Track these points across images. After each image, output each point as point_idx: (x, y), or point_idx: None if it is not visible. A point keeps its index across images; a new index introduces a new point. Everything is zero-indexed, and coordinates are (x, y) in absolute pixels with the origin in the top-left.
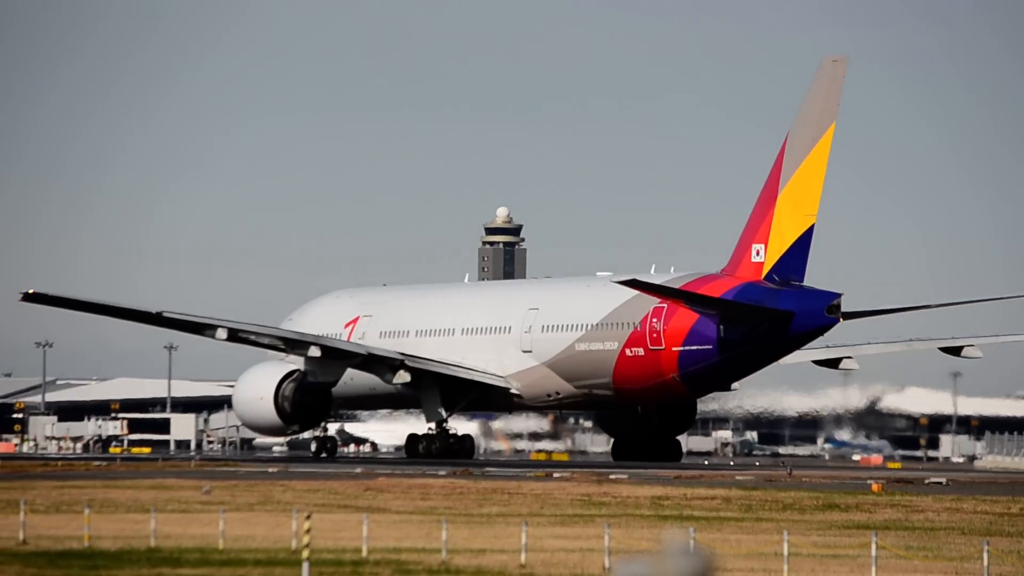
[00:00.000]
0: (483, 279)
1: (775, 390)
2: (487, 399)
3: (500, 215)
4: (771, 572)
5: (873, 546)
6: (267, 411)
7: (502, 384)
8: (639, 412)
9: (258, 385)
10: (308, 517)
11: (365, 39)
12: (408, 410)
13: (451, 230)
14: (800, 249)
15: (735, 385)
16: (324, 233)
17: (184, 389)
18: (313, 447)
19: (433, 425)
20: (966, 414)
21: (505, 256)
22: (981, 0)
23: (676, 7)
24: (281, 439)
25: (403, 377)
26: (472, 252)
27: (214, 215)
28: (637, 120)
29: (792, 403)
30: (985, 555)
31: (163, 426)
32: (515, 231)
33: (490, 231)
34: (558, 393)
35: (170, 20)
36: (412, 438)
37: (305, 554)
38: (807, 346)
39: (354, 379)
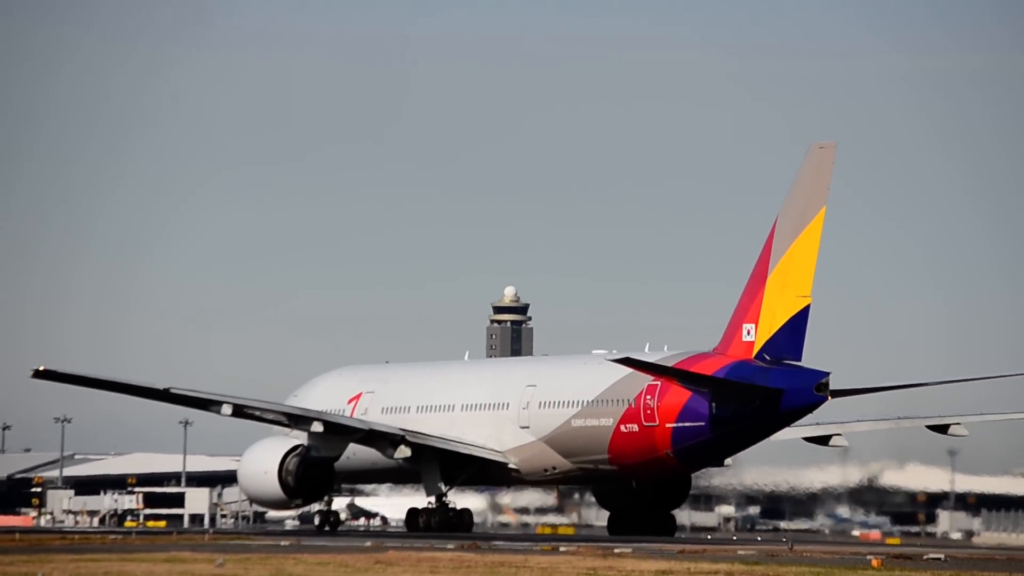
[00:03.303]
0: (491, 356)
1: (776, 466)
2: (486, 474)
3: (508, 294)
4: None
5: None
6: (271, 485)
7: (500, 459)
8: (634, 487)
9: (262, 460)
10: None
11: (374, 116)
12: (417, 485)
13: (460, 309)
14: (794, 329)
15: (728, 461)
16: (334, 311)
17: (199, 464)
18: (317, 520)
19: (433, 499)
20: (964, 491)
21: (513, 334)
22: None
23: (673, 95)
24: (291, 512)
25: (404, 452)
26: (480, 330)
27: (217, 290)
28: (639, 203)
29: (793, 479)
30: None
31: (178, 500)
32: (522, 310)
33: (498, 310)
34: (555, 468)
35: (150, 85)
36: (412, 512)
37: None
38: (798, 423)
39: (356, 454)
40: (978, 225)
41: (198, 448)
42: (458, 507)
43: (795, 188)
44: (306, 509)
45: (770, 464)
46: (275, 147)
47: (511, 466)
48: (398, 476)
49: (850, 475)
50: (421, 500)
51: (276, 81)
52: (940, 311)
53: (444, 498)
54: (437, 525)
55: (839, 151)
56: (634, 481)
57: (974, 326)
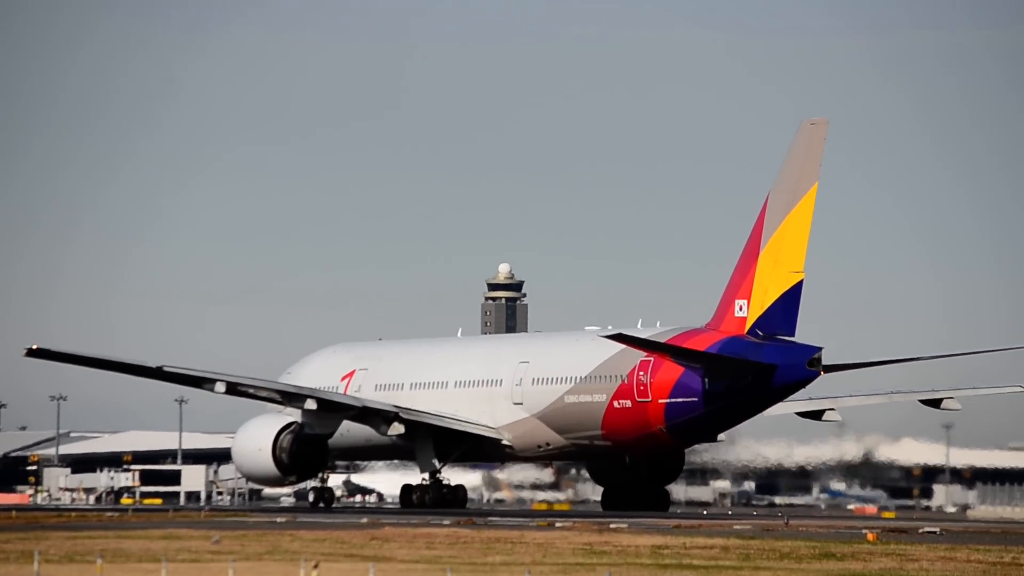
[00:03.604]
0: (486, 334)
1: (772, 441)
2: (479, 450)
3: (502, 271)
4: None
5: None
6: (265, 462)
7: (494, 435)
8: (628, 462)
9: (256, 437)
10: (316, 566)
11: (368, 97)
12: (412, 461)
13: (454, 286)
14: (787, 304)
15: (721, 436)
16: (329, 289)
17: (195, 441)
18: (311, 497)
19: (427, 475)
20: (959, 465)
21: (507, 311)
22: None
23: (665, 73)
24: (287, 489)
25: (397, 429)
26: (475, 307)
27: (211, 269)
28: (633, 180)
29: (789, 454)
30: None
31: (174, 478)
32: (517, 287)
33: (492, 287)
34: (548, 444)
35: (153, 59)
36: (407, 488)
37: None
38: (791, 398)
39: (350, 431)
40: (971, 200)
41: (194, 426)
42: (452, 483)
43: (787, 164)
44: (301, 486)
45: (766, 439)
46: (270, 128)
47: (504, 442)
48: (392, 453)
49: (846, 450)
50: (417, 476)
51: (270, 63)
52: (933, 286)
53: (438, 474)
54: (431, 501)
55: (831, 127)
56: (627, 457)
57: (967, 301)
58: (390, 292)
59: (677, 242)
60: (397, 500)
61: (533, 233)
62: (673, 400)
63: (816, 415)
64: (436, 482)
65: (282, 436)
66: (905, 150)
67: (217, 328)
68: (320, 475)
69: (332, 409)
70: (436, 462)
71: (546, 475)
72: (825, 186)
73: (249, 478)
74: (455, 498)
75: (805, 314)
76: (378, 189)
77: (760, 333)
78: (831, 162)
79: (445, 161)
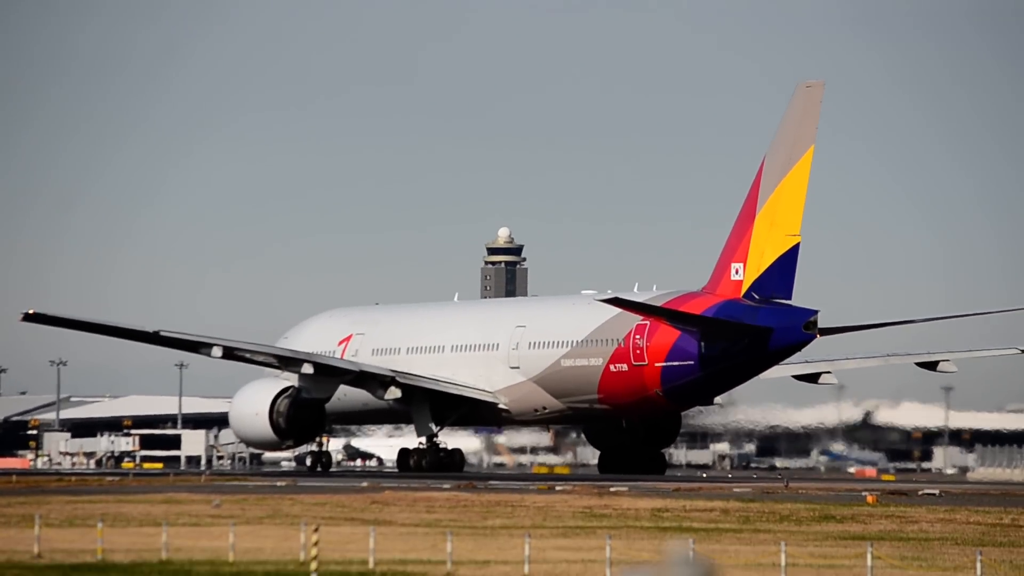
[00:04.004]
0: (486, 298)
1: (772, 404)
2: (476, 414)
3: (502, 235)
4: None
5: (868, 556)
6: (262, 426)
7: (491, 399)
8: (624, 426)
9: (254, 401)
10: (316, 530)
11: (370, 61)
12: (410, 425)
13: (454, 250)
14: (783, 268)
15: (717, 400)
16: (329, 254)
17: (195, 406)
18: (308, 461)
19: (424, 439)
20: (958, 427)
21: (507, 275)
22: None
23: (660, 38)
24: (287, 454)
25: (394, 393)
26: (475, 271)
27: (211, 234)
28: (630, 143)
29: (788, 417)
30: (978, 565)
31: (174, 442)
32: (516, 251)
33: (492, 251)
34: (545, 408)
35: (158, 27)
36: (404, 452)
37: (313, 566)
38: (787, 361)
39: (347, 395)
40: (966, 163)
41: (194, 390)
42: (449, 447)
43: (783, 127)
44: (301, 450)
45: (765, 402)
46: (270, 95)
47: (501, 406)
48: (389, 417)
49: (845, 413)
50: (416, 441)
51: (271, 29)
52: (929, 249)
53: (435, 438)
54: (428, 465)
55: (827, 90)
56: (624, 420)
57: (964, 264)
58: (390, 257)
59: (677, 206)
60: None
61: (533, 198)
62: (669, 364)
63: (812, 378)
64: (433, 446)
65: (279, 401)
66: (901, 112)
67: (215, 293)
68: (317, 439)
69: (329, 373)
70: (433, 426)
71: (546, 439)
72: (821, 149)
73: (246, 442)
74: (452, 462)
75: (802, 277)
76: (378, 154)
77: (756, 296)
78: (827, 125)
79: (445, 126)
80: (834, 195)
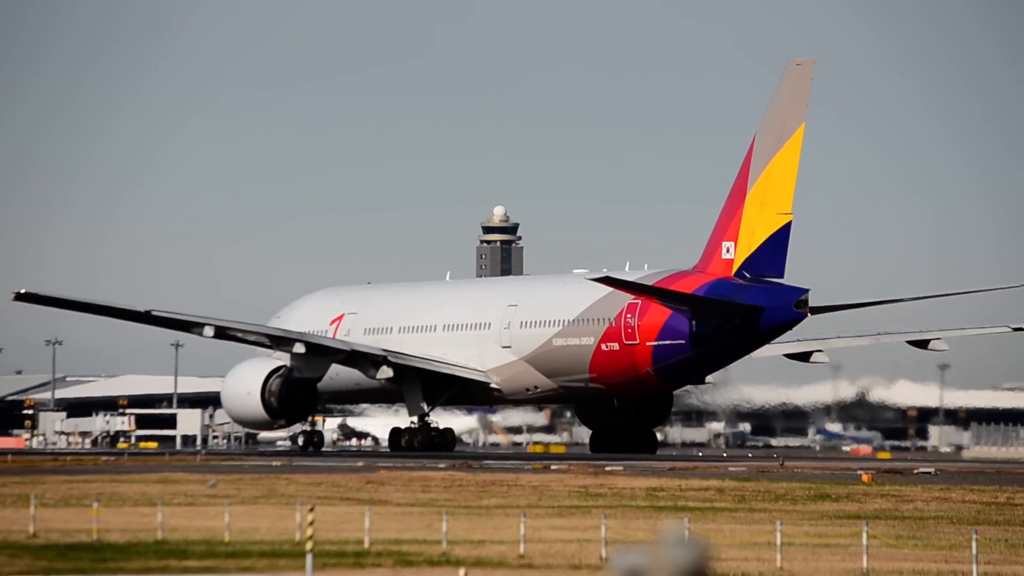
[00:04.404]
0: (481, 277)
1: (767, 383)
2: (468, 393)
3: (497, 214)
4: (764, 561)
5: (864, 535)
6: (254, 406)
7: (482, 379)
8: (616, 405)
9: (245, 381)
10: (311, 510)
11: (364, 38)
12: (402, 404)
13: (449, 229)
14: (775, 246)
15: (709, 378)
16: (324, 234)
17: (190, 385)
18: (300, 441)
19: (415, 419)
20: (953, 406)
21: (503, 254)
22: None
23: (651, 17)
24: (282, 433)
25: (386, 372)
26: (471, 250)
27: (205, 214)
28: (622, 121)
29: (784, 396)
30: (974, 543)
31: (170, 422)
32: (512, 230)
33: (487, 230)
34: (536, 387)
35: (143, 13)
36: (395, 431)
37: (309, 546)
38: (778, 340)
39: (339, 374)
40: (958, 141)
41: (189, 370)
42: (441, 426)
43: (773, 106)
44: (295, 429)
45: (761, 381)
46: (263, 75)
47: (493, 386)
48: (381, 396)
49: (841, 391)
50: (408, 420)
51: (266, 5)
52: (921, 227)
53: (426, 418)
54: (420, 444)
55: (817, 67)
56: (616, 399)
57: (955, 242)
58: (385, 236)
59: (672, 185)
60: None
61: (528, 176)
62: (661, 343)
63: (804, 357)
64: (425, 425)
65: (271, 380)
66: (892, 90)
67: (210, 273)
68: (309, 418)
69: (320, 353)
70: (424, 405)
71: (541, 418)
72: (812, 127)
73: (238, 422)
74: (444, 441)
75: (795, 256)
76: (373, 133)
77: (747, 275)
78: (818, 103)
79: (440, 105)
80: (826, 173)
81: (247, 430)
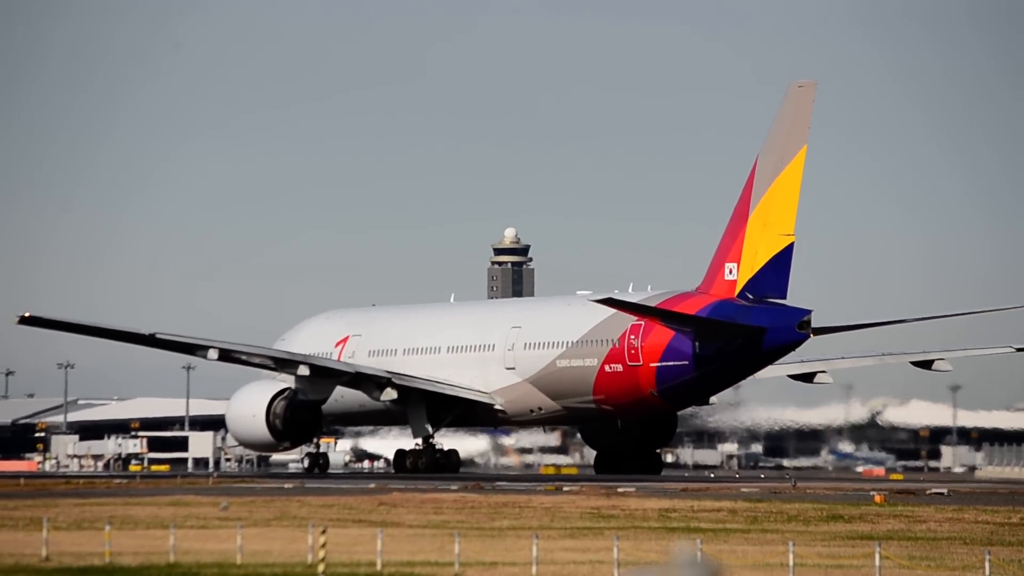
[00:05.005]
0: (492, 298)
1: (779, 404)
2: (472, 415)
3: (508, 235)
4: None
5: (877, 556)
6: (259, 428)
7: (486, 400)
8: (619, 426)
9: (250, 403)
10: (324, 532)
11: (373, 61)
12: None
13: (461, 251)
14: (777, 267)
15: (721, 399)
16: (335, 254)
17: (202, 408)
18: (305, 463)
19: (420, 440)
20: (966, 426)
21: (514, 275)
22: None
23: (653, 38)
24: (294, 456)
25: (390, 394)
26: (482, 272)
27: (213, 232)
28: (629, 141)
29: (796, 416)
30: (987, 564)
31: (182, 444)
32: (523, 251)
33: (499, 251)
34: (540, 408)
35: (140, 31)
36: (400, 453)
37: (321, 568)
38: (782, 361)
39: (344, 396)
40: (959, 163)
41: (201, 392)
42: (445, 448)
43: (775, 127)
44: (296, 452)
45: (773, 402)
46: (270, 93)
47: (497, 407)
48: (386, 418)
49: (853, 412)
50: (444, 441)
51: (273, 25)
52: (923, 248)
53: (431, 439)
54: (424, 466)
55: (819, 90)
56: (620, 420)
57: (958, 262)
58: (396, 257)
59: (681, 206)
60: None
61: (539, 198)
62: (664, 364)
63: (808, 377)
64: (429, 447)
65: (276, 402)
66: (894, 112)
67: (215, 295)
68: (315, 440)
69: (325, 375)
70: (429, 427)
71: (553, 439)
72: (814, 148)
73: (243, 444)
74: (448, 463)
75: (798, 277)
76: (383, 154)
77: (750, 296)
78: (820, 124)
79: (450, 126)
80: (828, 194)
81: (258, 453)
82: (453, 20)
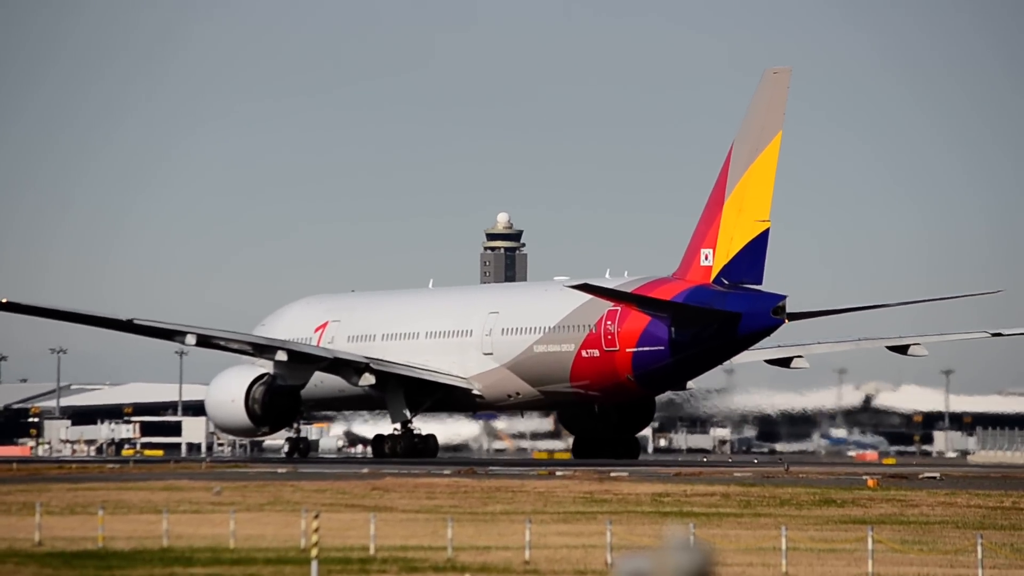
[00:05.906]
0: (486, 283)
1: (772, 389)
2: (450, 400)
3: (501, 221)
4: (770, 566)
5: (869, 540)
6: (238, 413)
7: (464, 385)
8: (597, 411)
9: (229, 388)
10: (316, 517)
11: (367, 47)
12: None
13: (454, 236)
14: (753, 253)
15: (690, 384)
16: (327, 240)
17: (195, 393)
18: (286, 448)
19: (398, 425)
20: (958, 410)
21: (507, 261)
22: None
23: (632, 26)
24: (280, 442)
25: (368, 379)
26: (475, 257)
27: (198, 219)
28: (608, 131)
29: (789, 401)
30: (979, 548)
31: (175, 429)
32: (515, 236)
33: (491, 236)
34: (518, 393)
35: (142, 28)
36: (379, 438)
37: (314, 553)
38: (759, 346)
39: (324, 381)
40: (937, 147)
41: (194, 377)
42: (423, 432)
43: (751, 113)
44: (275, 436)
45: (766, 387)
46: (263, 86)
47: (475, 392)
48: (365, 403)
49: (846, 397)
50: (428, 426)
51: (269, 19)
52: (901, 232)
53: (409, 424)
54: (403, 451)
55: (794, 75)
56: (597, 405)
57: (938, 247)
58: (389, 243)
59: (663, 193)
60: None
61: (531, 183)
62: (640, 349)
63: (785, 362)
64: (407, 432)
65: (254, 387)
66: (869, 96)
67: (200, 280)
68: (295, 425)
69: (303, 360)
70: (407, 412)
71: (547, 424)
72: (789, 134)
73: (222, 429)
74: (426, 448)
75: (778, 263)
76: (376, 142)
77: (725, 282)
78: (795, 110)
79: (444, 113)
80: (803, 180)
81: (237, 438)
82: (448, 12)
